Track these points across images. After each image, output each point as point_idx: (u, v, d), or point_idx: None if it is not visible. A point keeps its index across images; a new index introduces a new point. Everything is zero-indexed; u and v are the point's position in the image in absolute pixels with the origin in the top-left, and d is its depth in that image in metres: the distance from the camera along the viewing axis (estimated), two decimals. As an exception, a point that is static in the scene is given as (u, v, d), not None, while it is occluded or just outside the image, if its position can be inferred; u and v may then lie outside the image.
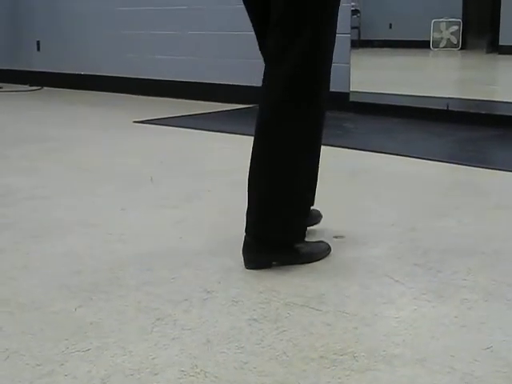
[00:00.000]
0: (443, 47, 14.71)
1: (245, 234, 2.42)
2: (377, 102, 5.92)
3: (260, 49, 2.53)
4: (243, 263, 2.40)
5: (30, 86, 8.28)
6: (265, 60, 2.42)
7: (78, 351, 1.81)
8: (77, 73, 8.06)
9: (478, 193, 3.40)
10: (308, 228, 2.54)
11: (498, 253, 2.53)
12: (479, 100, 6.53)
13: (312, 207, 2.62)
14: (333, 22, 2.33)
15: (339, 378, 1.66)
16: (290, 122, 2.32)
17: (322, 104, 2.36)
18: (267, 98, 2.34)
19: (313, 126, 2.37)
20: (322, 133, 2.41)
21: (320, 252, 2.48)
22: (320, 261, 2.44)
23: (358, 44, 12.84)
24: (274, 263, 2.40)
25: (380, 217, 2.98)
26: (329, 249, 2.51)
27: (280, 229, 2.39)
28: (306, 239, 2.47)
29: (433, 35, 14.75)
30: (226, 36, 6.79)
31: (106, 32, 7.78)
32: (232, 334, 1.89)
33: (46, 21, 8.31)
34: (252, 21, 2.51)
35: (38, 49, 8.49)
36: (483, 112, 5.61)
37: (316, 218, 2.70)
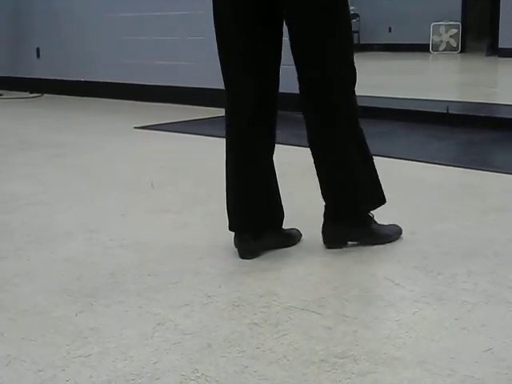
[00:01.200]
0: (443, 50, 14.71)
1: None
2: (377, 105, 5.92)
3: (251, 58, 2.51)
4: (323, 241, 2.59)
5: (31, 93, 8.29)
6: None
7: (80, 356, 1.82)
8: (77, 79, 8.07)
9: (478, 196, 3.40)
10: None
11: (498, 255, 2.53)
12: (479, 103, 6.52)
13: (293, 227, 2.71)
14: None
15: (340, 382, 1.66)
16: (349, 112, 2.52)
17: None
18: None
19: None
20: None
21: (393, 233, 2.70)
22: (320, 264, 2.44)
23: (358, 48, 12.85)
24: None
25: (379, 220, 2.98)
26: (400, 231, 2.72)
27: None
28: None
29: (432, 38, 14.75)
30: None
31: (105, 38, 7.79)
32: (233, 338, 1.90)
33: (46, 28, 8.32)
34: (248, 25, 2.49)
35: (38, 56, 8.51)
36: (483, 115, 5.62)
37: (296, 237, 2.72)
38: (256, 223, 2.56)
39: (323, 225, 2.63)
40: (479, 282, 2.27)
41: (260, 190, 2.55)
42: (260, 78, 2.47)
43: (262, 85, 2.48)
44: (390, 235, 2.69)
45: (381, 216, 3.04)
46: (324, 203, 2.63)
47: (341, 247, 2.61)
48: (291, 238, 2.67)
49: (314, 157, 2.59)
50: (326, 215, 2.64)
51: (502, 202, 3.27)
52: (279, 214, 2.61)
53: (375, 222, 2.68)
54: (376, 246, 2.62)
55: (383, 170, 3.93)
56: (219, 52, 2.50)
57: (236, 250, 2.55)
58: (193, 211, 3.20)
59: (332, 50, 2.43)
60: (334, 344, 1.86)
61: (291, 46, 2.45)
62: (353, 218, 2.64)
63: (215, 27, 2.52)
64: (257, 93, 2.47)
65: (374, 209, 2.67)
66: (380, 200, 2.67)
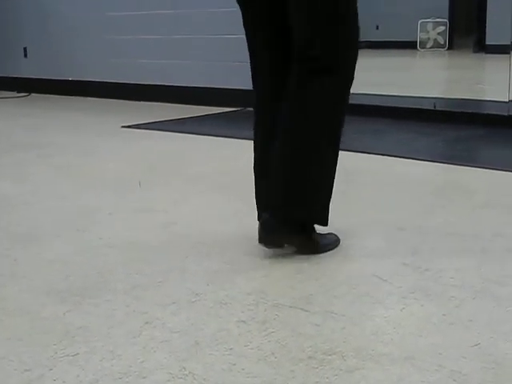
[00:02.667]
0: (430, 47, 14.73)
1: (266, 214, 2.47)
2: (365, 103, 5.92)
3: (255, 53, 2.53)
4: (259, 241, 2.47)
5: (18, 92, 8.26)
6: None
7: (67, 356, 1.81)
8: (64, 79, 8.05)
9: (465, 191, 3.41)
10: None
11: (485, 251, 2.54)
12: (466, 99, 6.55)
13: None
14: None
15: (327, 378, 1.66)
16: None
17: None
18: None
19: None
20: None
21: (331, 243, 2.57)
22: (307, 261, 2.44)
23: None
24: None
25: (368, 216, 2.99)
26: (338, 240, 2.59)
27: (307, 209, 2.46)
28: None
29: (420, 36, 14.77)
30: (212, 40, 6.79)
31: (93, 37, 7.76)
32: (220, 336, 1.90)
33: (33, 27, 8.29)
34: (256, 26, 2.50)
35: (26, 55, 8.47)
36: (470, 111, 5.63)
37: None
38: None
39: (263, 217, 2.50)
40: (467, 277, 2.28)
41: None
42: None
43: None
44: (327, 245, 2.55)
45: (368, 212, 3.05)
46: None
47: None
48: None
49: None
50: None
51: (489, 197, 3.28)
52: None
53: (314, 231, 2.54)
54: (365, 243, 2.62)
55: (371, 166, 3.95)
56: None
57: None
58: (180, 210, 3.19)
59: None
60: (322, 341, 1.86)
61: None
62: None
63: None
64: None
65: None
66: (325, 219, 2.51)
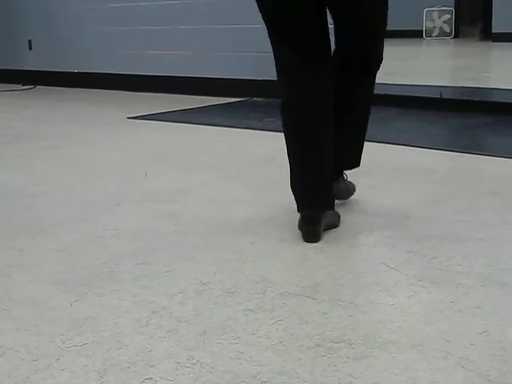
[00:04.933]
0: (436, 36, 14.70)
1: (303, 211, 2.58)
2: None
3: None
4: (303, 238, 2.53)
5: (23, 85, 8.26)
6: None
7: (74, 346, 1.81)
8: (69, 71, 8.04)
9: (472, 179, 3.40)
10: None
11: (493, 238, 2.53)
12: (472, 87, 6.52)
13: None
14: None
15: (335, 366, 1.66)
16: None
17: None
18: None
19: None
20: None
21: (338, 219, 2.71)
22: (314, 250, 2.44)
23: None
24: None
25: (375, 205, 2.98)
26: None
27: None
28: None
29: (425, 24, 14.74)
30: (217, 30, 6.77)
31: (97, 29, 7.75)
32: (228, 325, 1.89)
33: (38, 20, 8.28)
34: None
35: (30, 48, 8.47)
36: (476, 99, 5.61)
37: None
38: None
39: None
40: (474, 264, 2.27)
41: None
42: None
43: None
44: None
45: (375, 200, 3.04)
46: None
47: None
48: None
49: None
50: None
51: (495, 185, 3.26)
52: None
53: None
54: (372, 232, 2.62)
55: (377, 155, 3.94)
56: None
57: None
58: (186, 200, 3.19)
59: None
60: (330, 329, 1.85)
61: None
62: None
63: None
64: None
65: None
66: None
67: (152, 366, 1.69)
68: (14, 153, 4.44)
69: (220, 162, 3.92)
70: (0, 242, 2.69)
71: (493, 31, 12.81)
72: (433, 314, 1.93)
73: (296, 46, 2.51)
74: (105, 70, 7.72)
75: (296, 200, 2.59)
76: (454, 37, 14.61)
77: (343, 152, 2.77)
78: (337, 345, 1.76)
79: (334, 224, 2.66)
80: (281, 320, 1.91)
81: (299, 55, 2.51)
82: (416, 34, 14.46)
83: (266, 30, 2.55)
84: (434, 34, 14.75)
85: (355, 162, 2.94)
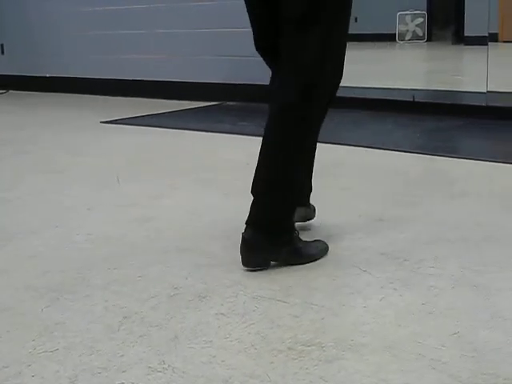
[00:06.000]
0: (409, 40, 14.74)
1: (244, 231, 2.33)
2: (345, 95, 5.89)
3: (257, 49, 2.51)
4: (241, 263, 2.32)
5: (-5, 90, 8.20)
6: (270, 59, 2.44)
7: (46, 351, 1.80)
8: (42, 75, 7.99)
9: (444, 181, 3.42)
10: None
11: (464, 240, 2.54)
12: (445, 91, 6.56)
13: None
14: (347, 22, 2.46)
15: (307, 369, 1.66)
16: (299, 121, 2.30)
17: (324, 102, 2.39)
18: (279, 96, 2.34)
19: (317, 124, 2.39)
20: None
21: (319, 252, 2.41)
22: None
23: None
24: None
25: (347, 208, 2.99)
26: (326, 248, 2.44)
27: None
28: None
29: (398, 28, 14.79)
30: (189, 34, 6.76)
31: (70, 33, 7.71)
32: (200, 329, 1.89)
33: (10, 24, 8.22)
34: (252, 21, 2.47)
35: (2, 52, 8.41)
36: (449, 102, 5.65)
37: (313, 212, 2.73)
38: None
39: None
40: (446, 266, 2.28)
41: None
42: None
43: None
44: (314, 254, 2.39)
45: (348, 203, 3.05)
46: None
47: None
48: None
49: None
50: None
51: (467, 187, 3.29)
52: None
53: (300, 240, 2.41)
54: (344, 234, 2.62)
55: (350, 158, 3.95)
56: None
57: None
58: (159, 204, 3.18)
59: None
60: (301, 332, 1.85)
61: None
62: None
63: None
64: None
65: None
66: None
67: (124, 371, 1.68)
68: (-14, 158, 4.41)
69: (193, 166, 3.91)
70: (-29, 248, 2.67)
71: (465, 34, 12.86)
72: (404, 316, 1.94)
73: None
74: (78, 75, 7.68)
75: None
76: (427, 40, 14.66)
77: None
78: (308, 348, 1.76)
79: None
80: (253, 324, 1.91)
81: None
82: (389, 38, 14.49)
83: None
84: (406, 38, 14.80)
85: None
